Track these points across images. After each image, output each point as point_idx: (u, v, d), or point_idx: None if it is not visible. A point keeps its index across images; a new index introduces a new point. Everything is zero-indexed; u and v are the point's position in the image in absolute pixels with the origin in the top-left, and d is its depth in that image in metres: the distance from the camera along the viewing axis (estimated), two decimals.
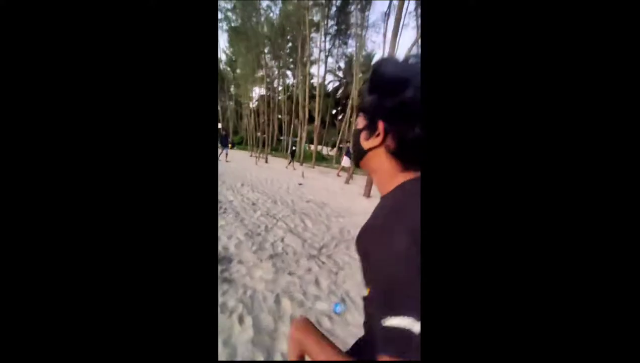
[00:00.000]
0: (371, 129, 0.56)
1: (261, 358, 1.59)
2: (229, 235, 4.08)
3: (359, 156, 0.62)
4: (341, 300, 3.04)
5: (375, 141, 0.56)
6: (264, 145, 25.11)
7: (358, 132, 0.60)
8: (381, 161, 0.57)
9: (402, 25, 16.02)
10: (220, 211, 5.20)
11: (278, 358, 1.59)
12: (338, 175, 11.93)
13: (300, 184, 9.77)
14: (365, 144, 0.57)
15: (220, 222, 4.55)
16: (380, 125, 0.54)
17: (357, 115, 0.62)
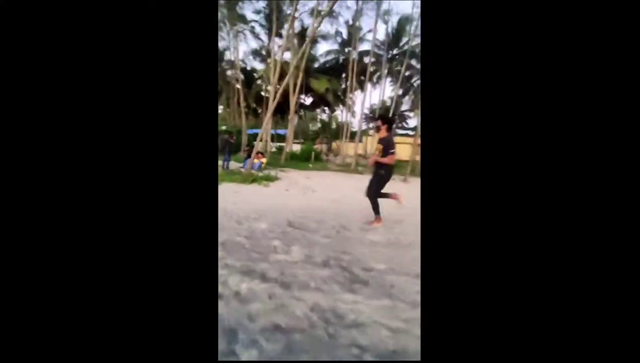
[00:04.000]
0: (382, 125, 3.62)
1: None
2: None
3: (378, 130, 3.75)
4: None
5: (383, 127, 3.58)
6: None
7: (378, 127, 3.69)
8: (383, 131, 3.58)
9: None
10: None
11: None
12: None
13: None
14: (382, 128, 3.60)
15: None
16: (385, 125, 3.62)
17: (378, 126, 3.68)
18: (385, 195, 3.68)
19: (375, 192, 3.58)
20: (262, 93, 20.46)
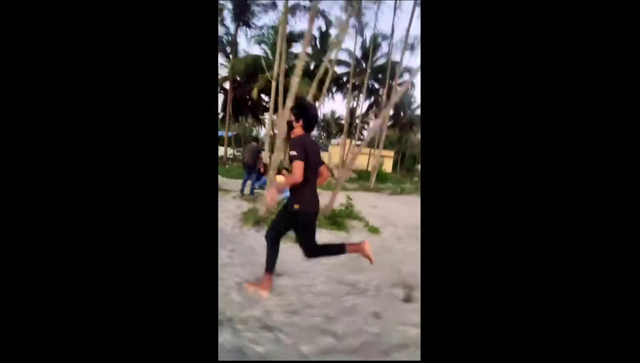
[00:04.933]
0: (297, 120, 1.96)
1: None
2: None
3: (290, 128, 2.03)
4: None
5: (298, 125, 1.97)
6: None
7: (291, 123, 2.02)
8: (299, 130, 1.98)
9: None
10: None
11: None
12: None
13: None
14: (295, 125, 1.98)
15: None
16: (299, 122, 1.96)
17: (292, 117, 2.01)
18: (338, 249, 1.95)
19: (311, 243, 1.90)
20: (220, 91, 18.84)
